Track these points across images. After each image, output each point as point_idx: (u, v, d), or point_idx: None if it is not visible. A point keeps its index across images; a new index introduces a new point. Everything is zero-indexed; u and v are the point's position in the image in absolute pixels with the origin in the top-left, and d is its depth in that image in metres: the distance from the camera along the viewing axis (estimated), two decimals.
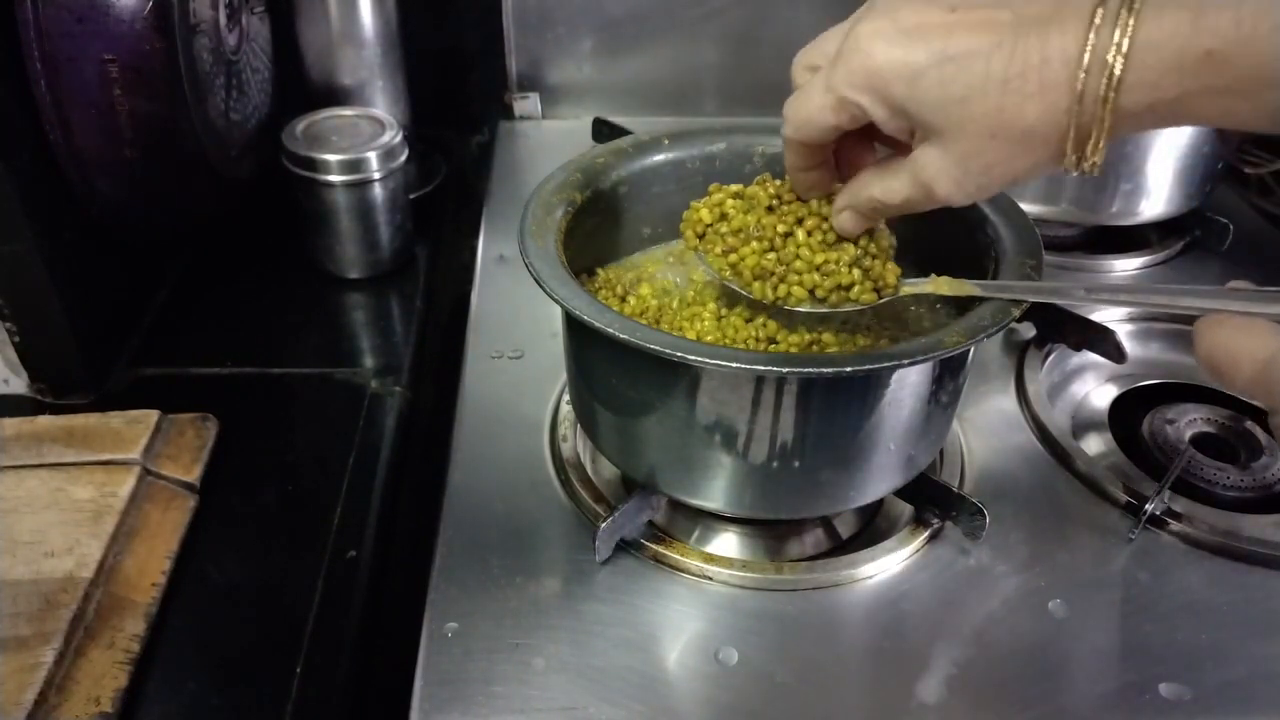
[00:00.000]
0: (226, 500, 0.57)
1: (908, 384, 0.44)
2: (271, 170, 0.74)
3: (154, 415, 0.58)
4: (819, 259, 0.47)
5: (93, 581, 0.48)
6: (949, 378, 0.47)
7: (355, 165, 0.72)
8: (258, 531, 0.55)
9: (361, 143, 0.73)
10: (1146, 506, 0.53)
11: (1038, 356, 0.65)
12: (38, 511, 0.52)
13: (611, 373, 0.47)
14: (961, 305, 0.45)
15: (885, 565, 0.51)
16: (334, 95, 0.82)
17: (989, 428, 0.61)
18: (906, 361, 0.40)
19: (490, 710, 0.44)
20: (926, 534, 0.53)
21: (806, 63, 0.43)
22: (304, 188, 0.73)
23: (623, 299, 0.52)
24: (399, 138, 0.74)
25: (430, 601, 0.49)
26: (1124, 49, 0.32)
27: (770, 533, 0.54)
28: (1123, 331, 0.66)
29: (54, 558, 0.49)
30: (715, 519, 0.54)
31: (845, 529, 0.56)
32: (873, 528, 0.56)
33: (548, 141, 0.96)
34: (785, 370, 0.40)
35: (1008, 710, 0.45)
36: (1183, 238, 0.80)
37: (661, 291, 0.53)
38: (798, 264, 0.47)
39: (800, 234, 0.48)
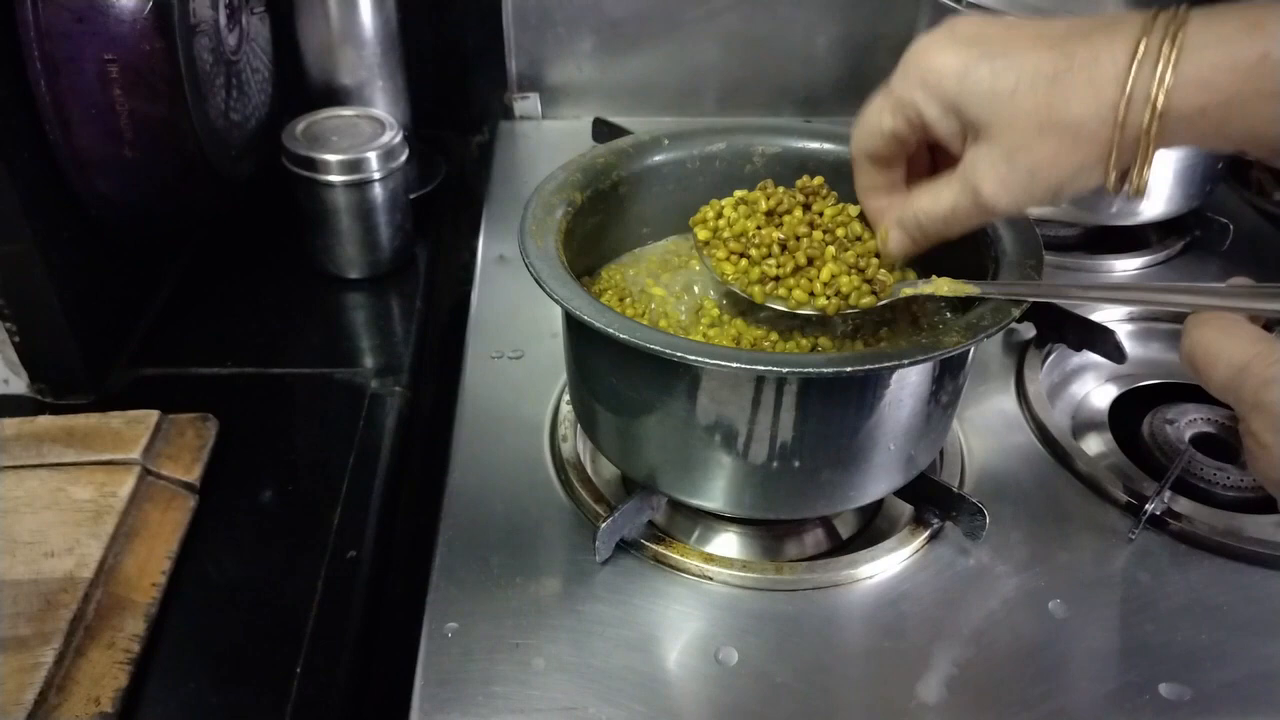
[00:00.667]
0: (226, 500, 0.57)
1: (908, 384, 0.44)
2: (271, 170, 0.74)
3: (154, 415, 0.58)
4: (818, 263, 0.47)
5: (93, 581, 0.48)
6: (949, 378, 0.47)
7: (355, 165, 0.72)
8: (258, 531, 0.55)
9: (361, 143, 0.73)
10: (1146, 506, 0.53)
11: (1038, 356, 0.65)
12: (38, 511, 0.52)
13: (611, 373, 0.47)
14: (962, 306, 0.45)
15: (885, 565, 0.51)
16: (334, 95, 0.82)
17: (989, 428, 0.61)
18: (906, 361, 0.40)
19: (490, 710, 0.44)
20: (926, 534, 0.53)
21: None
22: (304, 188, 0.73)
23: (623, 299, 0.52)
24: (399, 138, 0.74)
25: (430, 601, 0.49)
26: (1178, 41, 0.33)
27: (770, 533, 0.54)
28: (1123, 331, 0.66)
29: (54, 558, 0.49)
30: (715, 519, 0.54)
31: (845, 529, 0.56)
32: (873, 528, 0.56)
33: (548, 141, 0.96)
34: (785, 370, 0.40)
35: (1008, 710, 0.45)
36: (1183, 238, 0.80)
37: (663, 293, 0.53)
38: (797, 268, 0.47)
39: (801, 239, 0.48)
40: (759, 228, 0.48)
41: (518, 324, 0.68)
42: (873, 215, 0.47)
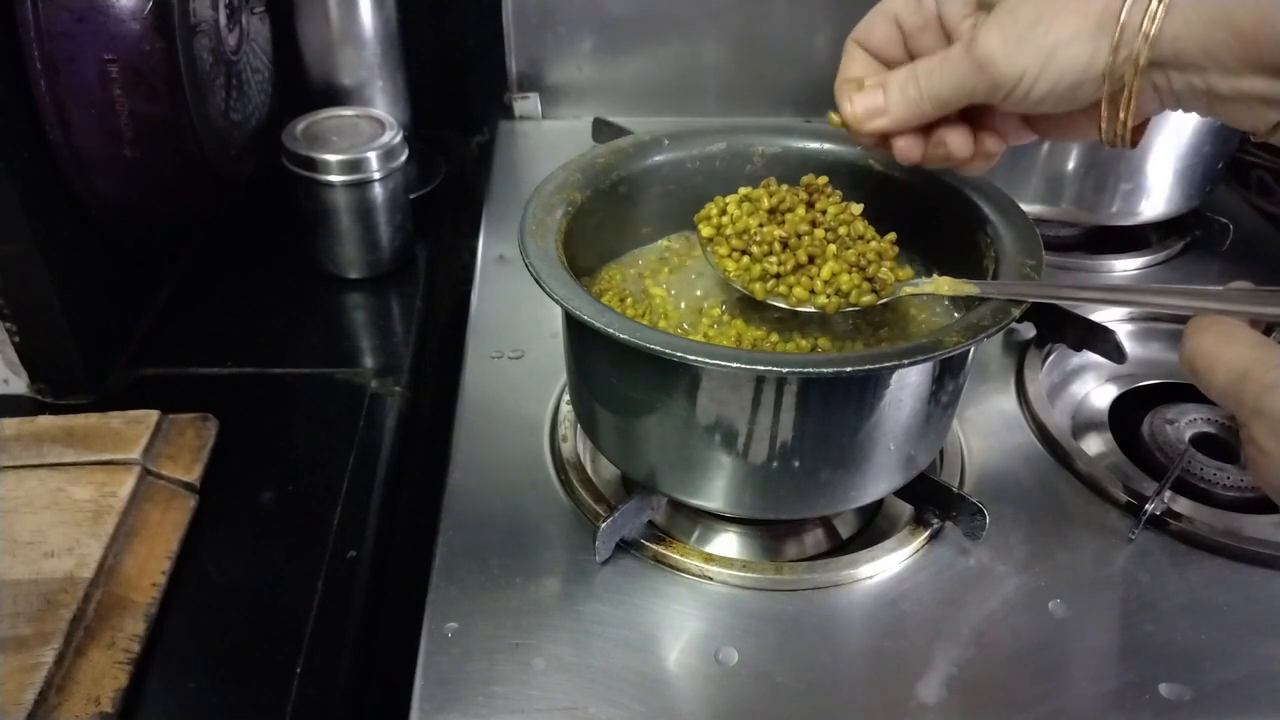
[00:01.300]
0: (226, 500, 0.57)
1: (908, 384, 0.44)
2: (271, 170, 0.74)
3: (154, 415, 0.58)
4: (819, 261, 0.47)
5: (93, 581, 0.48)
6: (949, 378, 0.47)
7: (355, 165, 0.72)
8: (258, 531, 0.55)
9: (361, 143, 0.73)
10: (1146, 506, 0.53)
11: (1038, 356, 0.65)
12: (38, 511, 0.52)
13: (611, 373, 0.47)
14: (961, 307, 0.45)
15: (885, 565, 0.51)
16: (334, 95, 0.82)
17: (989, 428, 0.61)
18: (906, 361, 0.40)
19: (490, 710, 0.44)
20: (926, 534, 0.53)
21: None
22: (304, 188, 0.73)
23: (623, 299, 0.52)
24: (399, 138, 0.74)
25: (430, 601, 0.49)
26: None
27: (770, 533, 0.54)
28: (1123, 331, 0.66)
29: (54, 558, 0.49)
30: (715, 519, 0.54)
31: (845, 529, 0.56)
32: (873, 528, 0.56)
33: (548, 141, 0.96)
34: (785, 370, 0.40)
35: (1008, 710, 0.45)
36: (1183, 238, 0.80)
37: (663, 293, 0.53)
38: (798, 266, 0.47)
39: (803, 237, 0.48)
40: (761, 225, 0.48)
41: (518, 324, 0.68)
42: (866, 139, 0.45)
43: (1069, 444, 0.59)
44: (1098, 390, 0.68)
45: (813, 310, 0.47)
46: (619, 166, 0.55)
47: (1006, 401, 0.63)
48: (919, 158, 0.44)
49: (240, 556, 0.54)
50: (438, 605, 0.49)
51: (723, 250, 0.49)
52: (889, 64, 0.45)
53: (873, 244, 0.48)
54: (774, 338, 0.49)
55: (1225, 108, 0.36)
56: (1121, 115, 0.38)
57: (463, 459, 0.57)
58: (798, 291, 0.47)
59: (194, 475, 0.56)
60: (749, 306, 0.50)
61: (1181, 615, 0.49)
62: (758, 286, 0.47)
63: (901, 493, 0.52)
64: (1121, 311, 0.68)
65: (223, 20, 0.67)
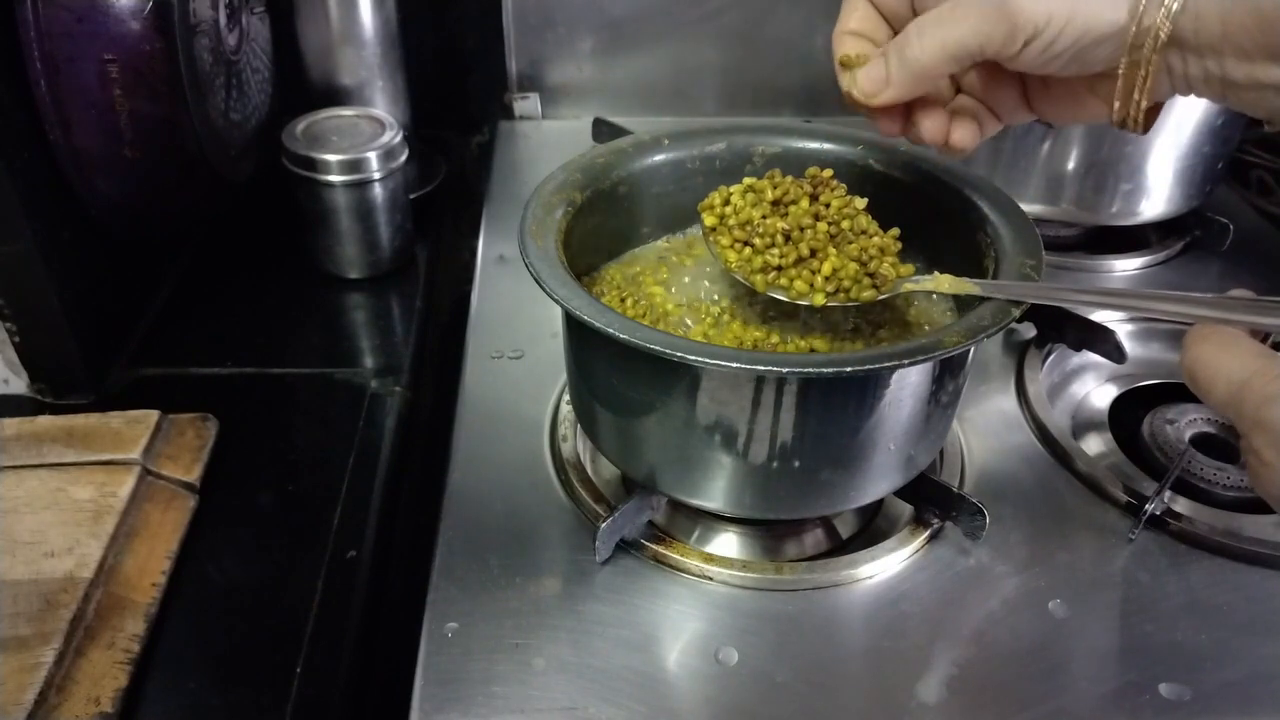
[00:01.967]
0: (226, 500, 0.57)
1: (908, 384, 0.44)
2: (271, 170, 0.74)
3: (154, 415, 0.58)
4: (821, 255, 0.47)
5: (93, 581, 0.48)
6: (949, 378, 0.47)
7: (355, 165, 0.72)
8: (258, 531, 0.55)
9: (361, 143, 0.73)
10: (1146, 506, 0.53)
11: (1038, 356, 0.65)
12: (38, 511, 0.52)
13: (611, 373, 0.47)
14: (961, 307, 0.45)
15: (885, 565, 0.51)
16: (334, 95, 0.82)
17: (989, 428, 0.61)
18: (906, 361, 0.40)
19: (490, 710, 0.44)
20: (926, 534, 0.53)
21: None
22: (304, 188, 0.73)
23: (623, 299, 0.52)
24: (399, 138, 0.74)
25: (430, 601, 0.49)
26: None
27: (770, 533, 0.54)
28: (1123, 331, 0.66)
29: (54, 558, 0.49)
30: (715, 519, 0.54)
31: (845, 529, 0.56)
32: (873, 528, 0.56)
33: (548, 141, 0.96)
34: (785, 370, 0.40)
35: (1008, 710, 0.45)
36: (1183, 238, 0.80)
37: (662, 292, 0.53)
38: (799, 259, 0.47)
39: (806, 230, 0.48)
40: (764, 217, 0.48)
41: (518, 324, 0.68)
42: (864, 97, 0.43)
43: (1069, 444, 0.59)
44: (1098, 390, 0.68)
45: (813, 305, 0.47)
46: (619, 166, 0.55)
47: (1006, 401, 0.63)
48: (898, 132, 0.44)
49: (240, 556, 0.54)
50: (438, 605, 0.49)
51: (725, 240, 0.49)
52: (889, 12, 0.44)
53: (875, 239, 0.48)
54: (774, 338, 0.49)
55: (1239, 95, 0.36)
56: (1136, 95, 0.38)
57: (463, 459, 0.57)
58: (798, 285, 0.46)
59: (194, 475, 0.56)
60: (749, 307, 0.50)
61: (1181, 615, 0.49)
62: (759, 278, 0.47)
63: (901, 493, 0.52)
64: (1121, 313, 0.68)
65: (223, 20, 0.67)
